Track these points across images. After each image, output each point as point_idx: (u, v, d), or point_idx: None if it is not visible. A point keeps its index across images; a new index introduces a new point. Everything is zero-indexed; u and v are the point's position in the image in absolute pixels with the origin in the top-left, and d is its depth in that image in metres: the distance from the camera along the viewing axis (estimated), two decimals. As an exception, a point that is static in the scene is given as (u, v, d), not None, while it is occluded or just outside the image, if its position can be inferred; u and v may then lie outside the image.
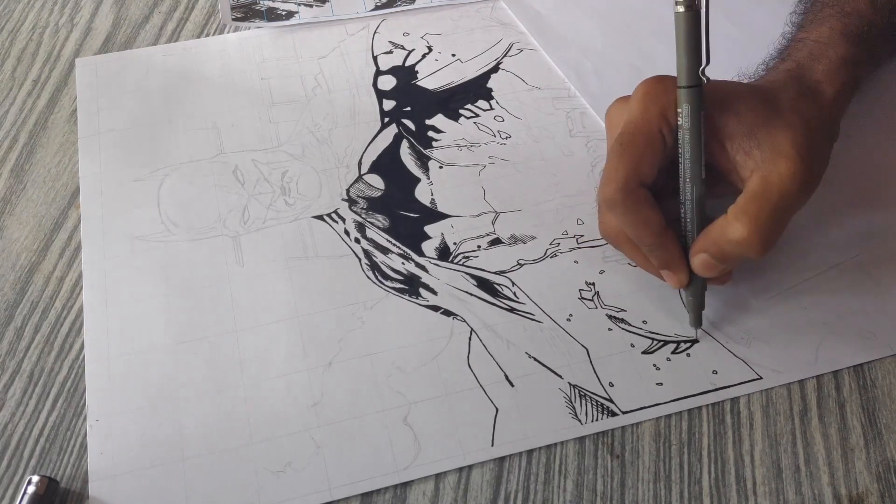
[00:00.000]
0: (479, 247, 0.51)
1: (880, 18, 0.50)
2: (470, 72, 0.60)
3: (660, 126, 0.44)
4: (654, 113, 0.44)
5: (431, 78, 0.60)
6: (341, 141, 0.56)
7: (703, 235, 0.44)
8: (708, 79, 0.43)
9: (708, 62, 0.43)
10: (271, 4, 0.65)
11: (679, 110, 0.43)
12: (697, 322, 0.46)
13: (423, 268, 0.50)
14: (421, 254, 0.50)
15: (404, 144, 0.56)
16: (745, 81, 0.48)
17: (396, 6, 0.65)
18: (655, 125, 0.44)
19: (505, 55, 0.61)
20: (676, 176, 0.45)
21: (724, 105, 0.44)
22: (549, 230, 0.51)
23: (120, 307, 0.48)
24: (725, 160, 0.44)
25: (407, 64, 0.61)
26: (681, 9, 0.42)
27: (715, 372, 0.45)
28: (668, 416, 0.44)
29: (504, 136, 0.56)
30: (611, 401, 0.44)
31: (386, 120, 0.57)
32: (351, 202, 0.53)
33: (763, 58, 0.51)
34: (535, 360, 0.46)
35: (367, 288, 0.49)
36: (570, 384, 0.45)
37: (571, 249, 0.50)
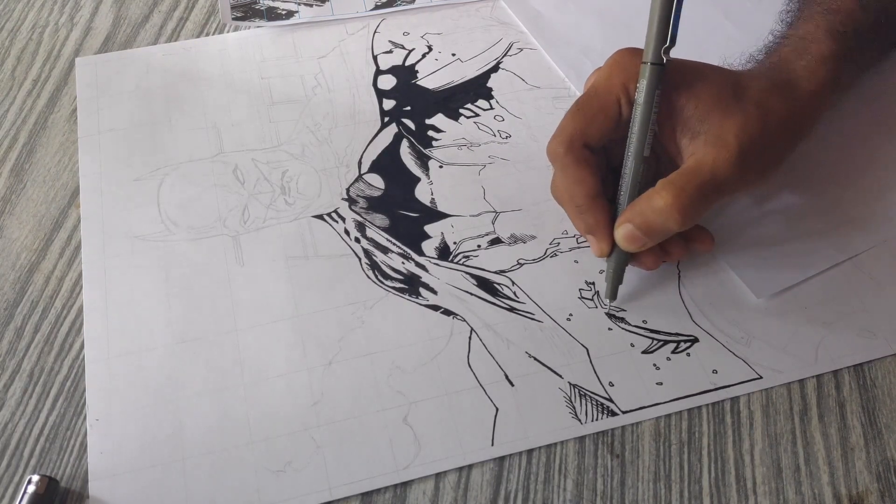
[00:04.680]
0: (479, 246, 0.51)
1: (867, 17, 0.50)
2: (470, 71, 0.60)
3: (619, 95, 0.45)
4: (617, 81, 0.45)
5: (431, 77, 0.60)
6: (341, 140, 0.56)
7: (630, 206, 0.45)
8: (668, 59, 0.43)
9: (673, 43, 0.43)
10: (271, 4, 0.65)
11: (637, 85, 0.44)
12: (612, 295, 0.47)
13: (423, 267, 0.50)
14: (421, 253, 0.50)
15: (404, 144, 0.56)
16: (725, 67, 0.48)
17: (396, 6, 0.65)
18: (615, 92, 0.45)
19: (505, 55, 0.61)
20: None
21: (688, 87, 0.45)
22: (549, 230, 0.51)
23: (120, 307, 0.48)
24: (674, 143, 0.45)
25: (407, 63, 0.61)
26: None
27: (715, 371, 0.45)
28: (668, 416, 0.44)
29: (504, 135, 0.56)
30: (611, 400, 0.44)
31: (386, 119, 0.57)
32: (351, 201, 0.53)
33: (751, 52, 0.51)
34: (535, 359, 0.46)
35: (367, 287, 0.49)
36: (570, 384, 0.45)
37: (571, 249, 0.50)
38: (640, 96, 0.44)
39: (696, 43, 0.61)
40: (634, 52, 0.45)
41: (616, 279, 0.47)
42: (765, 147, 0.44)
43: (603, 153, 0.47)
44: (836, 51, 0.48)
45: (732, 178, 0.43)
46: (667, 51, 0.43)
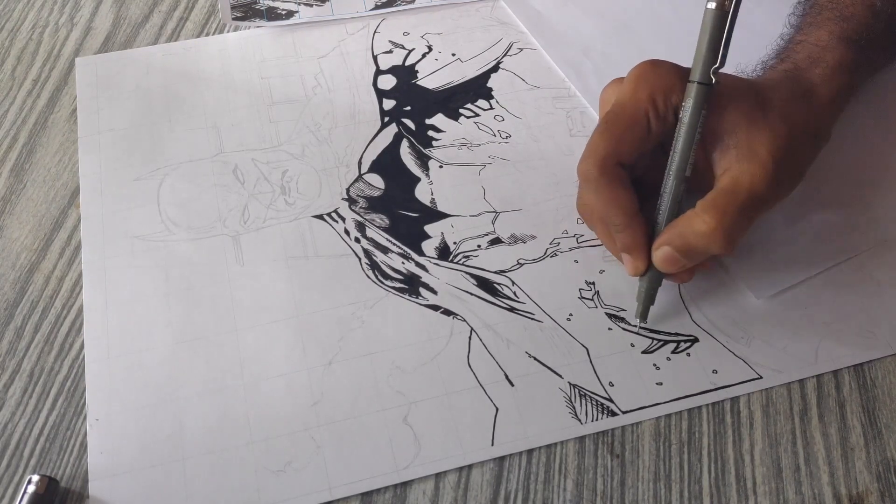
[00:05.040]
0: (479, 246, 0.51)
1: (880, 24, 0.50)
2: (470, 71, 0.60)
3: (647, 109, 0.44)
4: (644, 95, 0.44)
5: (431, 77, 0.60)
6: (341, 140, 0.56)
7: (670, 227, 0.44)
8: (716, 80, 0.43)
9: (723, 64, 0.43)
10: (271, 4, 0.65)
11: (683, 104, 0.43)
12: (643, 316, 0.46)
13: (423, 267, 0.50)
14: (421, 253, 0.50)
15: (404, 144, 0.56)
16: (743, 77, 0.48)
17: (396, 5, 0.64)
18: (643, 107, 0.44)
19: (505, 54, 0.61)
20: (659, 165, 0.45)
21: (712, 100, 0.44)
22: (548, 229, 0.51)
23: (120, 307, 0.48)
24: (702, 157, 0.45)
25: (407, 63, 0.61)
26: (712, 5, 0.43)
27: (715, 371, 0.45)
28: (668, 416, 0.44)
29: (504, 135, 0.56)
30: (611, 400, 0.44)
31: (386, 119, 0.57)
32: (351, 201, 0.53)
33: (761, 57, 0.51)
34: (535, 359, 0.46)
35: (367, 287, 0.49)
36: (570, 384, 0.45)
37: (571, 249, 0.50)
38: (686, 116, 0.43)
39: (695, 42, 0.61)
40: (657, 64, 0.45)
41: (648, 300, 0.46)
42: (794, 158, 0.44)
43: (630, 169, 0.46)
44: (850, 58, 0.48)
45: (768, 194, 0.43)
46: (716, 71, 0.43)
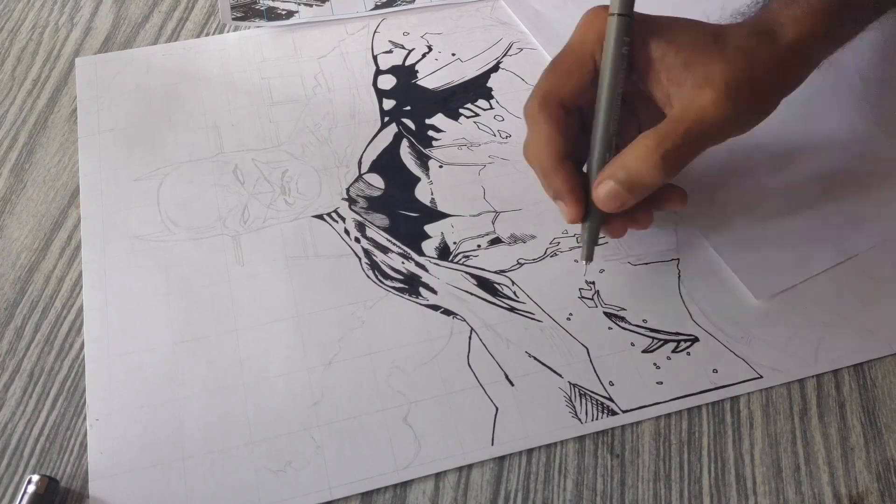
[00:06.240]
0: (478, 246, 0.51)
1: None
2: (470, 71, 0.60)
3: (593, 51, 0.44)
4: (590, 38, 0.44)
5: (431, 77, 0.60)
6: (341, 140, 0.56)
7: (612, 162, 0.43)
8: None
9: None
10: (271, 4, 0.65)
11: (605, 38, 0.44)
12: (589, 256, 0.46)
13: (423, 267, 0.50)
14: (421, 253, 0.50)
15: (404, 144, 0.56)
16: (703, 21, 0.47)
17: (396, 5, 0.65)
18: (588, 50, 0.44)
19: (505, 54, 0.61)
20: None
21: (666, 35, 0.44)
22: (548, 229, 0.51)
23: (120, 307, 0.48)
24: (661, 91, 0.44)
25: (407, 63, 0.61)
26: None
27: (715, 371, 0.45)
28: (668, 415, 0.44)
29: (504, 135, 0.56)
30: (611, 400, 0.44)
31: (386, 119, 0.57)
32: (351, 201, 0.53)
33: (738, 7, 0.49)
34: (535, 359, 0.46)
35: (367, 287, 0.49)
36: (570, 383, 0.45)
37: (571, 248, 0.50)
38: (609, 47, 0.43)
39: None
40: (606, 10, 0.44)
41: (592, 239, 0.45)
42: (751, 91, 0.43)
43: (578, 115, 0.46)
44: (828, 4, 0.46)
45: (719, 121, 0.42)
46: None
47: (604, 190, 0.43)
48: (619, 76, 0.43)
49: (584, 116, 0.46)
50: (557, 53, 0.46)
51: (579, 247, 0.50)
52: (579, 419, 0.44)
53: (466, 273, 0.49)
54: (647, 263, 0.49)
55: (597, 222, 0.45)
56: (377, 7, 0.64)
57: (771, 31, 0.45)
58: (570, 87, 0.44)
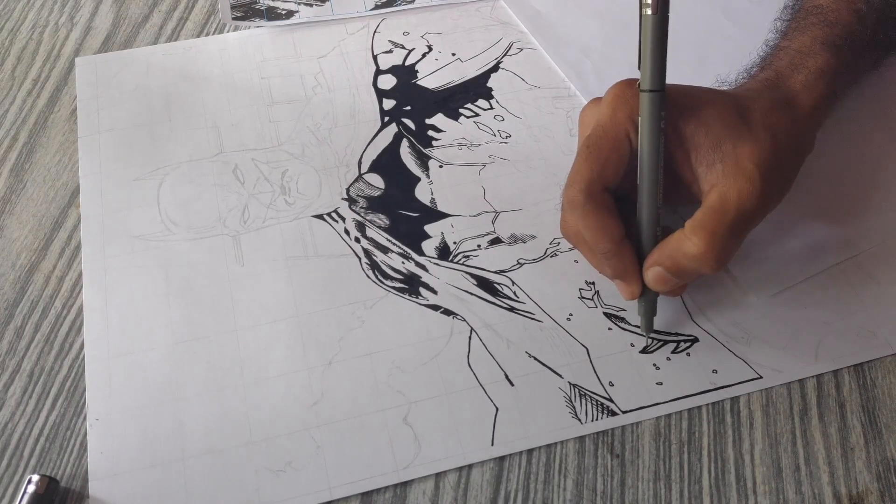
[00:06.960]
0: (478, 246, 0.51)
1: (865, 30, 0.49)
2: (470, 71, 0.60)
3: (627, 130, 0.43)
4: (623, 116, 0.43)
5: (431, 77, 0.60)
6: (341, 140, 0.56)
7: (659, 249, 0.43)
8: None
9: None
10: (271, 4, 0.65)
11: (640, 115, 0.43)
12: (648, 329, 0.46)
13: (423, 267, 0.50)
14: (421, 253, 0.50)
15: (404, 143, 0.56)
16: (722, 89, 0.47)
17: (396, 5, 0.65)
18: (623, 129, 0.43)
19: (505, 54, 0.61)
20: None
21: (694, 113, 0.43)
22: (548, 229, 0.51)
23: (120, 307, 0.48)
24: (689, 170, 0.44)
25: (407, 63, 0.61)
26: (648, 11, 0.41)
27: (715, 371, 0.45)
28: (668, 416, 0.44)
29: (504, 135, 0.56)
30: (611, 400, 0.44)
31: (386, 119, 0.57)
32: (351, 201, 0.53)
33: (745, 65, 0.50)
34: (535, 359, 0.46)
35: (366, 287, 0.49)
36: (570, 383, 0.45)
37: (571, 249, 0.50)
38: (643, 126, 0.42)
39: (696, 42, 0.61)
40: (634, 83, 0.44)
41: (651, 313, 0.46)
42: (780, 169, 0.43)
43: (614, 190, 0.45)
44: (833, 65, 0.47)
45: (756, 208, 0.42)
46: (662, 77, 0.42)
47: (652, 275, 0.44)
48: (660, 153, 0.43)
49: (619, 190, 0.45)
50: (589, 134, 0.44)
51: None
52: (579, 419, 0.44)
53: (466, 273, 0.49)
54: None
55: (654, 296, 0.45)
56: (377, 7, 0.64)
57: (789, 101, 0.46)
58: (611, 170, 0.43)
